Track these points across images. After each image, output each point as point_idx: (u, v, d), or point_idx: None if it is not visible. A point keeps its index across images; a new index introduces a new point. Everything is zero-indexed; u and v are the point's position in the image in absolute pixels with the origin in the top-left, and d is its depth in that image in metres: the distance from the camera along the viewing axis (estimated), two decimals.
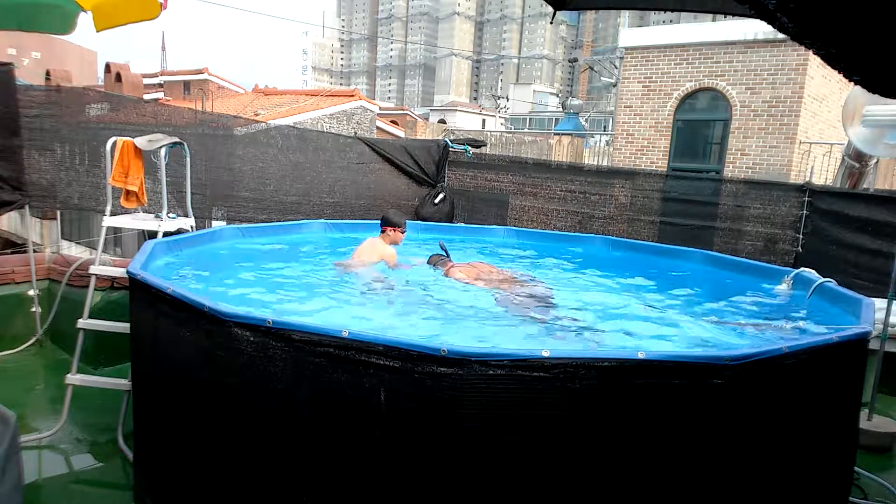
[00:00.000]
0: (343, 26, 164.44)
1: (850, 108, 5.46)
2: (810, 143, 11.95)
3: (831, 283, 3.30)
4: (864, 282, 4.92)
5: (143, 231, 4.05)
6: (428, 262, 4.32)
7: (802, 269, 3.68)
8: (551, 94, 62.52)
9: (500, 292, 3.68)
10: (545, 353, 1.87)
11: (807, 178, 6.70)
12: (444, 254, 4.29)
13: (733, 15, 3.05)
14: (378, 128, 18.55)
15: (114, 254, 9.72)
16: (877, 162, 6.58)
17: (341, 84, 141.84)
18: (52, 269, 5.04)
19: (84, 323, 3.62)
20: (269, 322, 2.06)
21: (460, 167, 7.12)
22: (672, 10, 3.63)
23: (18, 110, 4.86)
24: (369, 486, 2.04)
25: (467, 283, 3.86)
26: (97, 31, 4.00)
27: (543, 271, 4.56)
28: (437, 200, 6.87)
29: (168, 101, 16.38)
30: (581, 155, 16.69)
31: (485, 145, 7.85)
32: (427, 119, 36.66)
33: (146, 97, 16.53)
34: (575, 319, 3.23)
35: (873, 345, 3.23)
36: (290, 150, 6.27)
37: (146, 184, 4.01)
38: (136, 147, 3.83)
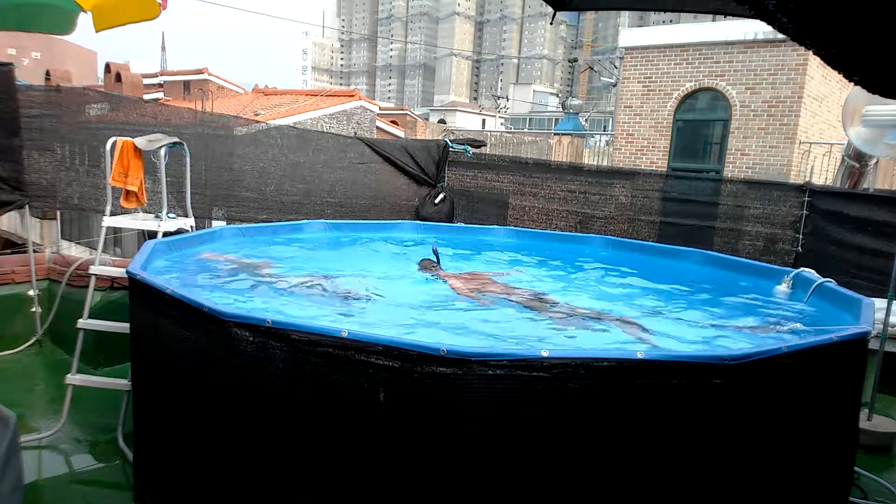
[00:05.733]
0: (343, 26, 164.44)
1: (850, 108, 5.46)
2: (810, 143, 11.95)
3: (831, 283, 3.30)
4: (864, 282, 4.92)
5: (143, 231, 4.05)
6: (419, 267, 4.25)
7: (802, 269, 3.68)
8: (551, 94, 62.55)
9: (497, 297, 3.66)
10: (544, 353, 1.87)
11: (807, 178, 6.71)
12: (436, 259, 4.23)
13: (733, 15, 3.05)
14: (378, 128, 18.55)
15: (114, 254, 9.72)
16: (877, 162, 6.58)
17: (341, 84, 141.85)
18: (52, 269, 5.04)
19: (84, 323, 3.62)
20: (268, 322, 2.06)
21: (460, 167, 7.12)
22: (672, 11, 3.62)
23: (18, 110, 4.86)
24: (369, 486, 2.04)
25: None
26: (97, 32, 4.00)
27: (543, 272, 4.55)
28: (437, 200, 6.87)
29: (168, 101, 16.37)
30: (581, 155, 16.70)
31: (485, 145, 7.86)
32: (427, 119, 36.64)
33: (146, 97, 16.52)
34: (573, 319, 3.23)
35: (873, 345, 3.24)
36: (291, 151, 6.27)
37: (146, 184, 4.01)
38: (135, 147, 3.83)
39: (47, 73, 16.26)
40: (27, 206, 5.07)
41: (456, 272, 4.18)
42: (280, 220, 5.69)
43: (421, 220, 6.45)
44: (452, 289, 3.88)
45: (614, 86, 18.91)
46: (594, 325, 3.13)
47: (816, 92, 12.15)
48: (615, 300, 3.73)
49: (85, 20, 4.13)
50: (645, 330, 3.00)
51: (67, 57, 21.37)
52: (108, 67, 19.87)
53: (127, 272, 2.74)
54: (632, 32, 14.20)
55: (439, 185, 7.00)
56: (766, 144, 12.07)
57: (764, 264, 4.18)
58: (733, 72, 12.23)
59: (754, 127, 12.14)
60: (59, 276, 4.91)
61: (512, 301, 3.59)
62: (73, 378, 3.54)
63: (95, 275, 3.79)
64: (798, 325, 3.01)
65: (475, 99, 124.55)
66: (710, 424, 2.03)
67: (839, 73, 1.75)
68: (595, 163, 15.40)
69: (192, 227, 4.15)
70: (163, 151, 3.85)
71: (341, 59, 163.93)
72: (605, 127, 28.77)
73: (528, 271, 4.54)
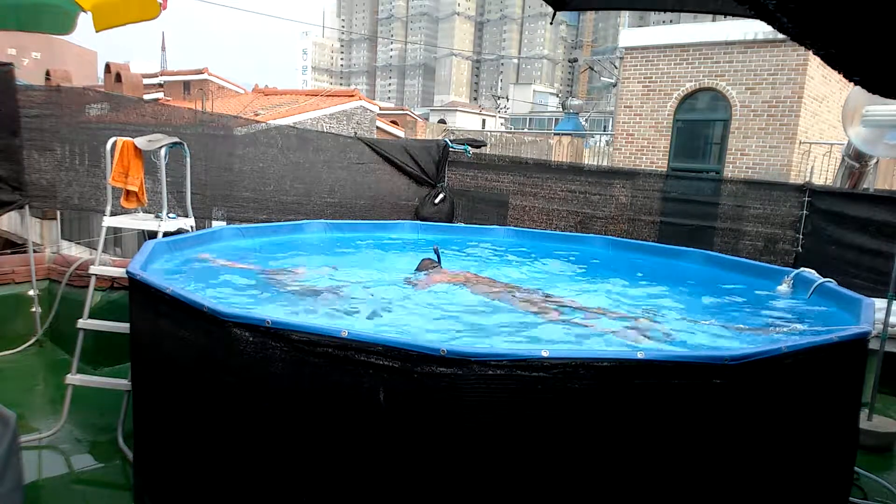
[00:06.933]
0: (343, 26, 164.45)
1: (850, 108, 5.46)
2: (810, 143, 11.95)
3: (831, 283, 3.30)
4: (864, 282, 4.91)
5: (143, 231, 4.05)
6: (417, 268, 4.24)
7: (802, 269, 3.68)
8: (551, 94, 62.59)
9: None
10: (545, 353, 1.87)
11: (807, 178, 6.71)
12: (436, 259, 4.22)
13: (733, 15, 3.05)
14: (378, 128, 18.54)
15: (114, 254, 9.71)
16: (877, 162, 6.58)
17: (341, 84, 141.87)
18: (52, 269, 5.04)
19: (84, 323, 3.62)
20: (268, 322, 2.06)
21: (460, 167, 7.12)
22: (672, 11, 3.63)
23: (18, 110, 4.86)
24: (369, 486, 2.04)
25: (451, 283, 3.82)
26: (97, 31, 4.00)
27: (543, 272, 4.55)
28: (437, 200, 6.86)
29: (168, 101, 16.37)
30: (581, 155, 16.70)
31: (485, 145, 7.85)
32: (427, 119, 36.65)
33: (146, 97, 16.52)
34: (575, 321, 3.23)
35: (873, 345, 3.23)
36: (290, 151, 6.27)
37: (146, 184, 4.01)
38: (135, 147, 3.83)
39: (47, 73, 16.26)
40: (27, 206, 5.07)
41: (454, 272, 4.18)
42: (280, 221, 5.69)
43: (421, 220, 6.45)
44: (447, 282, 3.88)
45: (614, 86, 18.91)
46: (597, 326, 3.13)
47: (816, 92, 12.14)
48: (615, 300, 3.73)
49: (85, 20, 4.14)
50: (643, 333, 3.00)
51: (67, 57, 21.37)
52: (108, 67, 19.86)
53: (127, 272, 2.74)
54: (632, 32, 14.20)
55: (439, 185, 7.00)
56: (766, 144, 12.07)
57: (764, 264, 4.18)
58: (733, 72, 12.23)
59: (754, 127, 12.13)
60: (59, 276, 4.91)
61: (513, 301, 3.59)
62: (73, 378, 3.54)
63: (95, 275, 3.79)
64: (798, 325, 3.01)
65: (475, 99, 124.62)
66: (711, 425, 2.03)
67: (839, 73, 1.75)
68: (595, 163, 15.39)
69: (192, 227, 4.15)
70: (163, 151, 3.85)
71: (341, 59, 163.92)
72: (605, 127, 28.75)
73: (530, 272, 4.54)
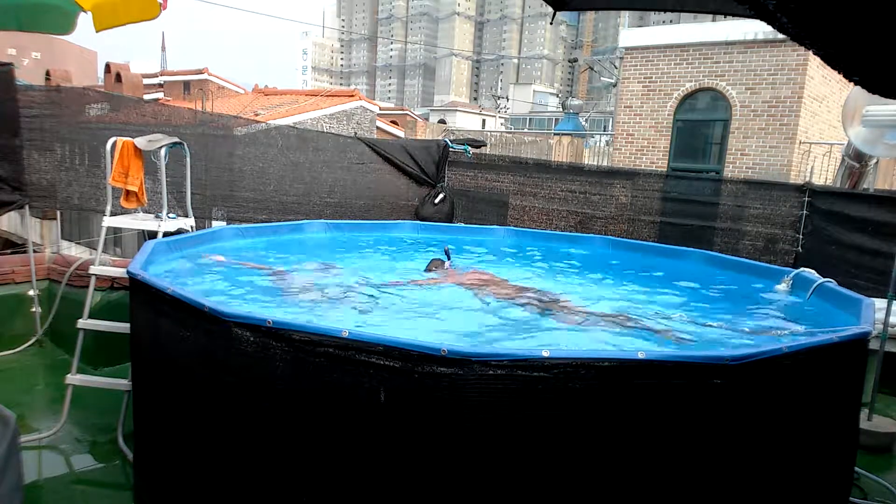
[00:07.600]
0: (343, 26, 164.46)
1: (850, 108, 5.46)
2: (810, 143, 11.95)
3: (831, 283, 3.30)
4: (864, 282, 4.92)
5: (143, 231, 4.05)
6: (426, 268, 4.24)
7: (802, 269, 3.68)
8: (551, 94, 62.58)
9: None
10: (545, 354, 1.87)
11: (807, 178, 6.71)
12: (447, 260, 4.20)
13: (733, 15, 3.05)
14: (378, 128, 18.54)
15: (114, 254, 9.71)
16: (877, 162, 6.59)
17: (341, 84, 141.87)
18: (52, 269, 5.04)
19: (84, 323, 3.62)
20: (269, 322, 2.06)
21: (460, 167, 7.11)
22: (672, 11, 3.63)
23: (18, 110, 4.86)
24: (369, 486, 2.04)
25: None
26: (97, 31, 4.00)
27: (543, 272, 4.55)
28: (437, 200, 6.86)
29: (168, 101, 16.38)
30: (581, 155, 16.70)
31: (485, 145, 7.85)
32: (427, 119, 36.65)
33: (146, 97, 16.53)
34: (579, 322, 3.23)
35: (873, 345, 3.24)
36: (290, 151, 6.27)
37: (146, 184, 4.01)
38: (135, 147, 3.83)
39: (47, 73, 16.25)
40: (27, 206, 5.07)
41: (463, 271, 4.18)
42: (280, 221, 5.68)
43: (421, 220, 6.45)
44: (455, 283, 3.87)
45: (614, 86, 18.92)
46: (605, 327, 3.13)
47: (816, 92, 12.15)
48: (617, 301, 3.73)
49: (85, 20, 4.14)
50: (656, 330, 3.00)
51: (67, 57, 21.35)
52: (108, 67, 19.86)
53: (127, 272, 2.74)
54: (632, 32, 14.20)
55: (439, 185, 6.99)
56: (766, 144, 12.07)
57: (764, 264, 4.18)
58: (733, 72, 12.23)
59: (754, 127, 12.13)
60: (59, 276, 4.91)
61: (520, 302, 3.59)
62: (73, 378, 3.54)
63: (95, 275, 3.79)
64: (798, 325, 3.01)
65: (475, 99, 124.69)
66: (711, 425, 2.03)
67: (839, 73, 1.75)
68: (595, 163, 15.39)
69: (192, 227, 4.15)
70: (163, 151, 3.85)
71: (341, 59, 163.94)
72: (605, 127, 28.75)
73: (532, 273, 4.54)
